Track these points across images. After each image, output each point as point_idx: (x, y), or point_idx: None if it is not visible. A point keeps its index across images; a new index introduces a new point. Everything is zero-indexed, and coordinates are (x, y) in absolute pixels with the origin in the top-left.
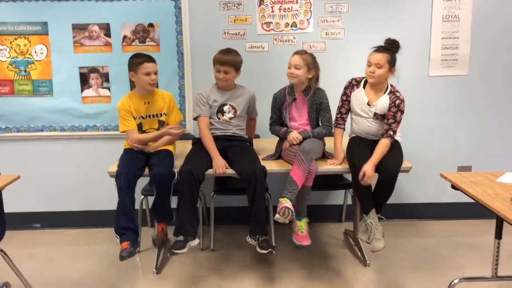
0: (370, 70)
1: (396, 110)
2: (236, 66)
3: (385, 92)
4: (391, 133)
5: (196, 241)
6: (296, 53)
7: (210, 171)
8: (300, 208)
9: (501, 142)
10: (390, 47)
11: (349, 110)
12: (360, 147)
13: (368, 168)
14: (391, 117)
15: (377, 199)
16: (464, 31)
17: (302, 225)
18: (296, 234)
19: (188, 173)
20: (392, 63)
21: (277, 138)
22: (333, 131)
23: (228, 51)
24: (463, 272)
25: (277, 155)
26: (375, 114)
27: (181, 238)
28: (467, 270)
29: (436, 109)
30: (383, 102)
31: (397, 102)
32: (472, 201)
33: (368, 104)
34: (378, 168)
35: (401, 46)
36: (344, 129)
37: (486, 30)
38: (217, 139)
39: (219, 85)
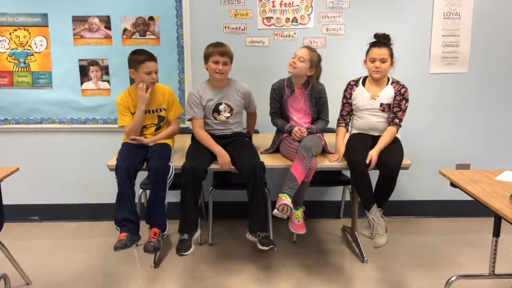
0: (375, 65)
1: (400, 99)
2: (232, 57)
3: (387, 84)
4: (397, 121)
5: (198, 232)
6: (306, 46)
7: (212, 165)
8: (298, 198)
9: (500, 140)
10: (387, 41)
11: (350, 112)
12: (359, 143)
13: (373, 154)
14: (396, 106)
15: (379, 195)
16: (465, 29)
17: (298, 214)
18: (292, 223)
19: (192, 171)
20: (392, 56)
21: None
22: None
23: (221, 43)
24: (460, 270)
25: (275, 147)
26: (381, 104)
27: (185, 236)
28: (464, 268)
29: (436, 107)
30: (387, 93)
31: (402, 90)
32: (471, 199)
33: (372, 98)
34: (378, 165)
35: (400, 41)
36: (345, 127)
37: (487, 28)
38: (215, 137)
39: (216, 79)
